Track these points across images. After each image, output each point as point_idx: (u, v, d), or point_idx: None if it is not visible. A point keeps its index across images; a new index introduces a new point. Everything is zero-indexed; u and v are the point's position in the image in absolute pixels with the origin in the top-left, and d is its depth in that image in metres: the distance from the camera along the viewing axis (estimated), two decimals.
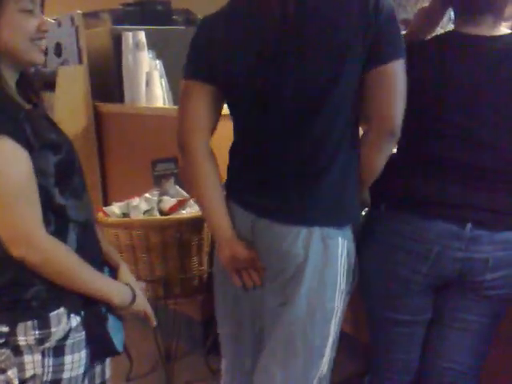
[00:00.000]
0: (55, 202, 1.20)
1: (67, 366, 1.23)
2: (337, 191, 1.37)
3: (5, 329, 1.18)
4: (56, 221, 1.20)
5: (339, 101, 1.32)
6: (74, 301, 1.23)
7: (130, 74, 2.86)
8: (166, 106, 2.81)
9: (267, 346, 1.48)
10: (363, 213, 1.63)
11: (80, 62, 3.00)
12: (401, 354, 1.59)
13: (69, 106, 2.96)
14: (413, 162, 1.50)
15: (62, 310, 1.21)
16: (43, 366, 1.21)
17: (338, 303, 1.41)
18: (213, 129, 1.48)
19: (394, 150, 1.48)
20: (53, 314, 1.20)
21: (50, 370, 1.22)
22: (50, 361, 1.21)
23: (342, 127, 1.35)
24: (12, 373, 1.21)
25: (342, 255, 1.39)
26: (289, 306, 1.40)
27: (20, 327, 1.18)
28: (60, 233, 1.20)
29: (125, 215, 2.27)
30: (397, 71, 1.31)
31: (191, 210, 2.28)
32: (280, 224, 1.38)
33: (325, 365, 1.44)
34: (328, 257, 1.37)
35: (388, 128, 1.34)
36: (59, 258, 1.19)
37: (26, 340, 1.19)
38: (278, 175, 1.39)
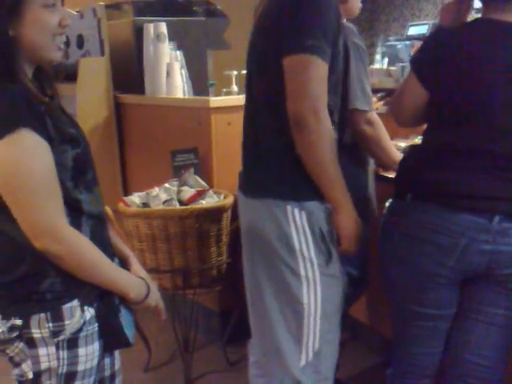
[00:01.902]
0: (70, 195, 1.20)
1: (82, 359, 1.22)
2: (276, 170, 1.47)
3: (18, 322, 1.18)
4: (70, 214, 1.20)
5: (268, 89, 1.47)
6: (88, 293, 1.22)
7: (150, 65, 2.86)
8: (186, 97, 2.81)
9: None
10: (387, 204, 1.60)
11: (102, 53, 3.01)
12: (424, 348, 1.57)
13: (90, 97, 2.98)
14: (440, 152, 1.46)
15: (75, 302, 1.20)
16: (58, 359, 1.20)
17: (308, 272, 1.45)
18: None
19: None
20: (66, 306, 1.19)
21: (65, 362, 1.21)
22: (64, 353, 1.21)
23: (267, 114, 1.48)
24: (27, 366, 1.21)
25: (295, 222, 1.44)
26: (252, 266, 1.55)
27: (34, 320, 1.17)
28: (74, 226, 1.20)
29: (145, 205, 2.28)
30: (293, 65, 1.37)
31: (210, 200, 2.28)
32: (242, 195, 1.59)
33: (311, 335, 1.46)
34: (275, 222, 1.45)
35: (290, 116, 1.39)
36: (82, 250, 1.19)
37: (41, 332, 1.18)
38: (243, 154, 1.60)
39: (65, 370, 1.21)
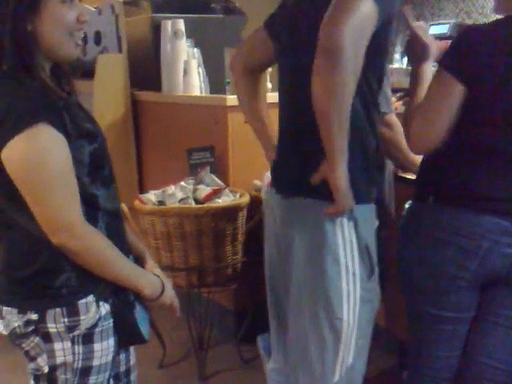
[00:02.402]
0: (87, 191, 1.20)
1: (97, 354, 1.23)
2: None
3: (34, 316, 1.19)
4: (87, 210, 1.20)
5: None
6: (104, 289, 1.23)
7: (168, 62, 2.86)
8: (203, 95, 2.81)
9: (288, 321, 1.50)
10: (406, 205, 1.58)
11: (119, 50, 3.02)
12: (442, 351, 1.55)
13: (107, 94, 2.98)
14: (463, 155, 1.43)
15: (90, 297, 1.21)
16: (73, 354, 1.21)
17: (349, 285, 1.37)
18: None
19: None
20: (82, 301, 1.20)
21: (81, 357, 1.22)
22: (79, 348, 1.21)
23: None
24: (42, 360, 1.22)
25: (343, 235, 1.36)
26: (290, 278, 1.44)
27: (49, 314, 1.19)
28: (90, 222, 1.20)
29: (160, 203, 2.28)
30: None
31: (226, 199, 2.28)
32: (277, 193, 1.46)
33: (346, 351, 1.41)
34: (321, 231, 1.36)
35: (322, 42, 1.18)
36: (99, 246, 1.20)
37: (56, 327, 1.19)
38: (279, 150, 1.48)
39: (80, 365, 1.22)
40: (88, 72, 3.08)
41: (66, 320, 1.19)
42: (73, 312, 1.20)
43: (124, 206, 2.22)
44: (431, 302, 1.50)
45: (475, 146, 1.41)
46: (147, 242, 2.31)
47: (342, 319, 1.38)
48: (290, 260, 1.44)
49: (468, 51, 1.37)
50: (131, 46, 3.02)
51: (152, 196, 2.31)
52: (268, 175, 2.46)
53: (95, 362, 1.23)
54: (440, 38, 2.62)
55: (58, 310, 1.19)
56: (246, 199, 2.30)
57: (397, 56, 3.16)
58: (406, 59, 3.07)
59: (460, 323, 1.51)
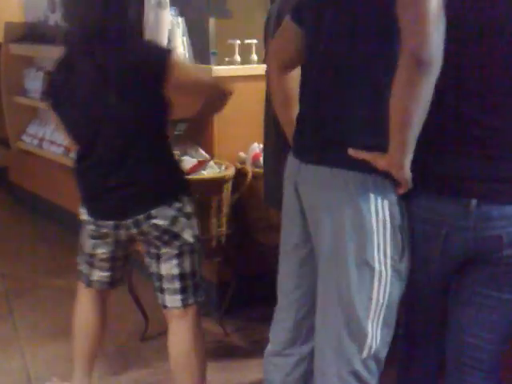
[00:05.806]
0: None
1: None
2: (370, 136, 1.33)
3: (178, 204, 1.74)
4: None
5: None
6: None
7: (151, 31, 2.80)
8: None
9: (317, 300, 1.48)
10: None
11: None
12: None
13: None
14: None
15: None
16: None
17: (381, 266, 1.36)
18: None
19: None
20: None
21: None
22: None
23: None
24: (187, 234, 1.75)
25: (377, 215, 1.34)
26: (317, 255, 1.43)
27: (185, 200, 1.76)
28: None
29: None
30: None
31: (211, 171, 2.26)
32: (310, 164, 1.42)
33: (374, 327, 1.39)
34: (355, 209, 1.34)
35: (410, 53, 1.18)
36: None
37: (191, 208, 1.78)
38: (310, 125, 1.44)
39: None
40: None
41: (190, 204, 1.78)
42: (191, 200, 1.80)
43: None
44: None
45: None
46: None
47: (371, 298, 1.37)
48: (317, 235, 1.42)
49: None
50: None
51: None
52: (253, 147, 2.45)
53: None
54: None
55: (187, 197, 1.77)
56: (231, 171, 2.28)
57: None
58: None
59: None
